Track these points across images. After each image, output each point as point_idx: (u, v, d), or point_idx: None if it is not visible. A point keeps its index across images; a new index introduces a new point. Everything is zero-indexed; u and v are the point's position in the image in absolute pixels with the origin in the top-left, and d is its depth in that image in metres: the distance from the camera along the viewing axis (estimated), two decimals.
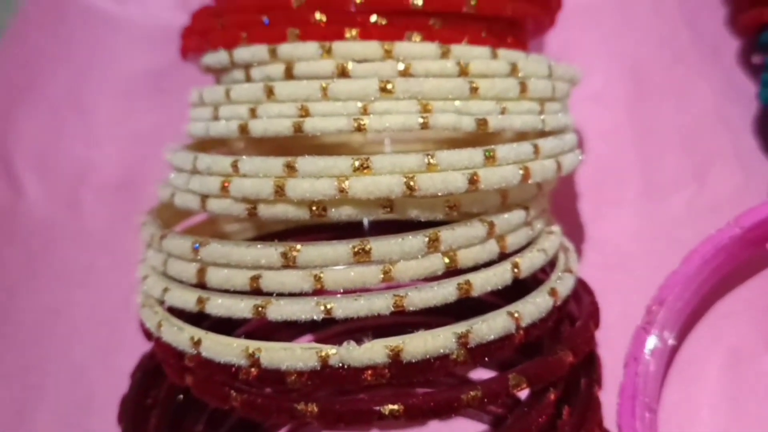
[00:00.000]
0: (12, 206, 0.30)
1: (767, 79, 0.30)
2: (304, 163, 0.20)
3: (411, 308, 0.19)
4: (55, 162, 0.32)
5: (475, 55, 0.23)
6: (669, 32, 0.35)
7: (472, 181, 0.20)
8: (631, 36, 0.35)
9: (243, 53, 0.24)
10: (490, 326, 0.19)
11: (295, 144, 0.23)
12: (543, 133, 0.24)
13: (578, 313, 0.23)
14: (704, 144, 0.31)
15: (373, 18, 0.24)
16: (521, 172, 0.21)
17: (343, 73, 0.22)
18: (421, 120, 0.21)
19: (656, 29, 0.35)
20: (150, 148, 0.34)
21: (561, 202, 0.30)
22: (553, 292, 0.21)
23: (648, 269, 0.26)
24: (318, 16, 0.23)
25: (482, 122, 0.22)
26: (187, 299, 0.20)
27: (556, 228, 0.24)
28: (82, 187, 0.32)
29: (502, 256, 0.21)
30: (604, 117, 0.33)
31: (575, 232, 0.30)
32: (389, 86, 0.21)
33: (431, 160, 0.20)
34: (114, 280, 0.28)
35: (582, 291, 0.24)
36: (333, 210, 0.20)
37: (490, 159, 0.21)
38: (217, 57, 0.25)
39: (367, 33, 0.23)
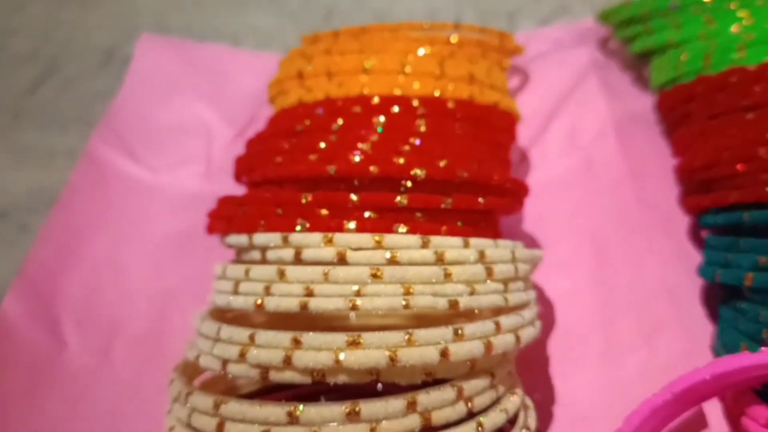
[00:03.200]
0: (55, 358, 0.34)
1: (708, 256, 0.35)
2: (308, 338, 0.25)
3: None
4: (93, 316, 0.37)
5: (450, 244, 0.28)
6: (625, 208, 0.40)
7: (444, 354, 0.25)
8: (593, 210, 0.40)
9: (260, 238, 0.29)
10: None
11: (301, 316, 0.28)
12: (506, 309, 0.29)
13: None
14: (655, 311, 0.35)
15: (367, 213, 0.29)
16: (484, 346, 0.26)
17: (342, 260, 0.28)
18: (404, 302, 0.26)
19: (615, 205, 0.40)
20: (174, 304, 0.39)
21: (530, 360, 0.35)
22: None
23: (606, 425, 0.30)
24: (323, 211, 0.29)
25: (454, 303, 0.27)
26: None
27: (518, 390, 0.28)
28: (115, 338, 0.36)
29: (470, 415, 0.26)
30: (568, 283, 0.38)
31: (543, 388, 0.34)
32: (379, 272, 0.27)
33: (411, 337, 0.25)
34: (139, 425, 0.32)
35: None
36: (330, 377, 0.25)
37: (458, 336, 0.25)
38: (238, 239, 0.30)
39: (363, 226, 0.29)
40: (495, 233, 0.33)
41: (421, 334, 0.25)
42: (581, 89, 0.47)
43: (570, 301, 0.37)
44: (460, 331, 0.25)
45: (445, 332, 0.25)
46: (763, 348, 0.27)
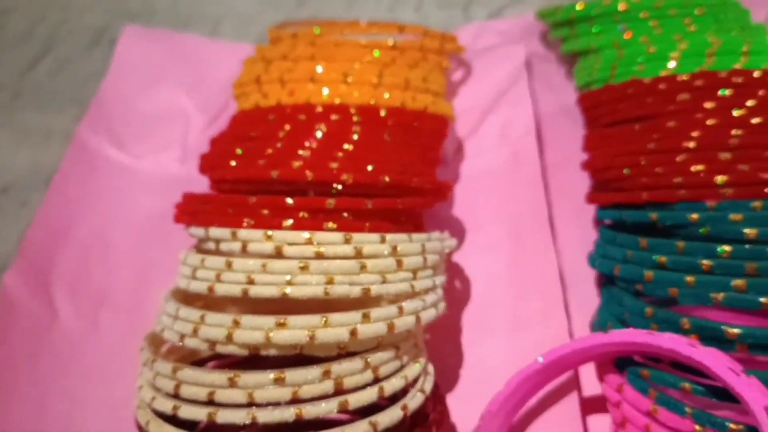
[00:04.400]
0: (50, 325, 0.41)
1: (596, 246, 0.41)
2: (245, 320, 0.32)
3: (307, 417, 0.30)
4: (83, 288, 0.44)
5: (368, 240, 0.35)
6: (544, 198, 0.46)
7: (353, 333, 0.32)
8: (516, 200, 0.46)
9: (214, 232, 0.36)
10: (354, 430, 0.30)
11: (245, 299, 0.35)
12: (413, 294, 0.35)
13: (435, 419, 0.34)
14: (556, 292, 0.41)
15: (302, 213, 0.36)
16: (387, 326, 0.32)
17: (279, 254, 0.34)
18: (324, 291, 0.33)
19: (535, 196, 0.46)
20: (155, 277, 0.45)
21: (449, 329, 0.42)
22: (404, 407, 0.32)
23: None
24: (265, 211, 0.35)
25: (366, 291, 0.33)
26: (166, 406, 0.31)
27: (422, 359, 0.35)
28: (102, 308, 0.43)
29: (376, 381, 0.32)
30: (488, 264, 0.44)
31: (456, 353, 0.41)
32: (306, 265, 0.33)
33: (327, 320, 0.32)
34: (123, 383, 0.38)
35: (438, 403, 0.35)
36: (263, 350, 0.32)
37: (366, 318, 0.32)
38: (198, 231, 0.37)
39: (298, 224, 0.35)
40: (416, 226, 0.40)
41: (335, 317, 0.32)
42: (518, 84, 0.52)
43: (487, 279, 0.43)
44: (367, 314, 0.32)
45: (354, 316, 0.32)
46: (624, 329, 0.34)
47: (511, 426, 0.35)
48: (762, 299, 0.32)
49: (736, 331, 0.31)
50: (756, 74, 0.40)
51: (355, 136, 0.39)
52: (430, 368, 0.36)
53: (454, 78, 0.56)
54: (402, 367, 0.34)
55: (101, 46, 0.67)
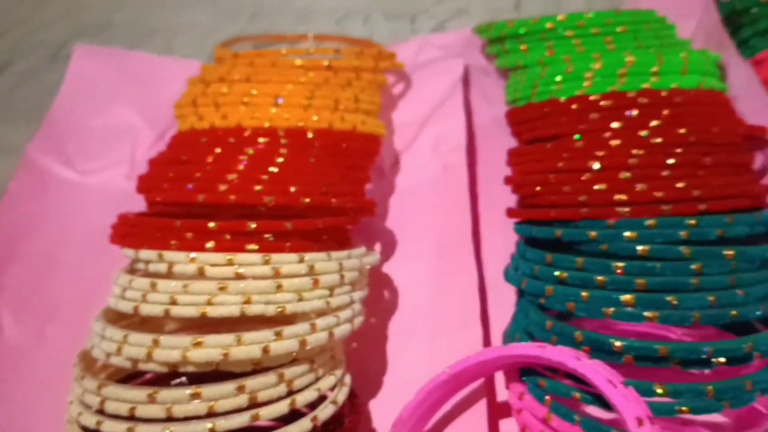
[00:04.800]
0: None
1: (513, 261, 0.43)
2: (164, 339, 0.34)
3: (220, 431, 0.32)
4: (29, 305, 0.46)
5: (286, 261, 0.37)
6: (471, 211, 0.48)
7: (265, 350, 0.34)
8: (445, 212, 0.49)
9: (143, 254, 0.38)
10: None
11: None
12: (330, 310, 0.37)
13: (349, 428, 0.36)
14: (475, 302, 0.44)
15: (226, 236, 0.38)
16: (300, 343, 0.35)
17: (202, 274, 0.36)
18: (240, 310, 0.35)
19: (463, 208, 0.48)
20: (101, 292, 0.47)
21: (374, 336, 0.44)
22: (314, 419, 0.34)
23: None
24: (189, 234, 0.38)
25: (282, 309, 0.35)
26: (91, 421, 0.34)
27: (338, 371, 0.37)
28: (48, 323, 0.45)
29: (290, 394, 0.35)
30: (415, 273, 0.46)
31: (380, 359, 0.43)
32: (225, 286, 0.35)
33: (240, 339, 0.34)
34: (65, 396, 0.41)
35: (353, 413, 0.37)
36: (181, 368, 0.34)
37: (278, 336, 0.34)
38: (129, 252, 0.39)
39: (220, 246, 0.37)
40: (341, 243, 0.42)
41: (248, 336, 0.34)
42: (453, 98, 0.55)
43: (413, 289, 0.46)
44: (279, 332, 0.34)
45: (267, 334, 0.34)
46: (524, 342, 0.36)
47: (423, 431, 0.38)
48: (646, 314, 0.34)
49: (619, 343, 0.33)
50: (663, 94, 0.42)
51: (281, 159, 0.41)
52: (347, 379, 0.38)
53: (395, 91, 0.58)
54: (317, 380, 0.36)
55: (61, 61, 0.68)
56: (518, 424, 0.36)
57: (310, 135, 0.43)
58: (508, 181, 0.45)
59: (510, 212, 0.44)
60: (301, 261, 0.37)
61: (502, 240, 0.47)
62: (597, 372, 0.31)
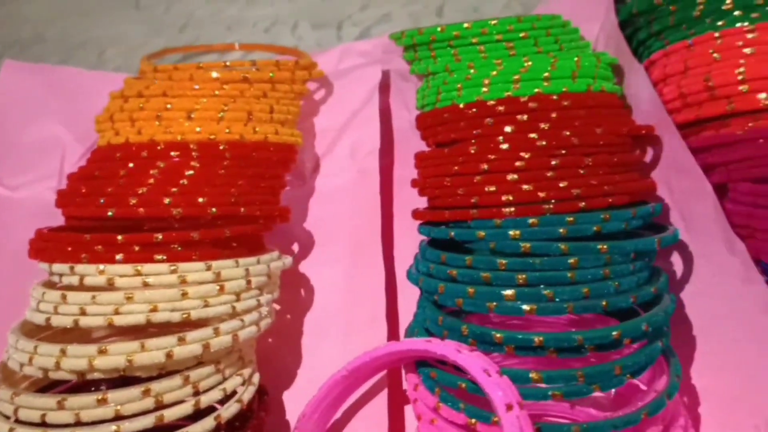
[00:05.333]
0: None
1: (415, 261, 0.45)
2: (71, 348, 0.36)
3: None
4: None
5: (193, 269, 0.39)
6: (384, 213, 0.51)
7: (169, 355, 0.36)
8: (359, 216, 0.51)
9: (56, 267, 0.40)
10: None
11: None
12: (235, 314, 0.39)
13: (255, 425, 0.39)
14: (381, 301, 0.46)
15: (136, 247, 0.40)
16: (203, 347, 0.37)
17: (111, 285, 0.38)
18: (146, 318, 0.37)
19: (376, 211, 0.51)
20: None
21: (290, 333, 0.46)
22: (218, 417, 0.36)
23: None
24: (98, 247, 0.39)
25: (187, 316, 0.38)
26: (3, 428, 0.35)
27: (246, 370, 0.40)
28: None
29: (196, 394, 0.37)
30: (330, 275, 0.49)
31: (295, 355, 0.45)
32: (132, 295, 0.37)
33: (144, 345, 0.36)
34: None
35: (262, 410, 0.39)
36: (89, 375, 0.36)
37: (182, 341, 0.36)
38: (44, 266, 0.41)
39: (129, 257, 0.39)
40: (252, 249, 0.44)
41: (152, 342, 0.36)
42: (370, 105, 0.57)
43: (328, 289, 0.48)
44: (183, 338, 0.36)
45: (170, 340, 0.36)
46: (419, 337, 0.39)
47: (327, 425, 0.40)
48: (525, 307, 0.37)
49: (499, 335, 0.36)
50: (553, 98, 0.45)
51: (191, 172, 0.43)
52: (255, 378, 0.40)
53: (317, 98, 0.60)
54: (224, 380, 0.38)
55: None
56: (414, 412, 0.39)
57: (222, 147, 0.45)
58: (413, 184, 0.47)
59: (414, 214, 0.46)
60: (208, 269, 0.39)
61: (413, 240, 0.49)
62: (474, 363, 0.34)
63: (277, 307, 0.48)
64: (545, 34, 0.52)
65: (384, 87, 0.60)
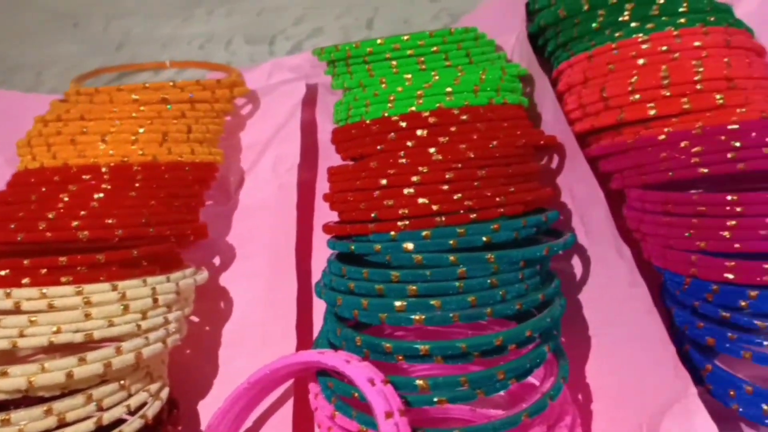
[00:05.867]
0: None
1: (322, 274, 0.47)
2: None
3: None
4: None
5: (98, 290, 0.40)
6: (302, 227, 0.52)
7: (69, 375, 0.37)
8: (280, 229, 0.53)
9: None
10: None
11: None
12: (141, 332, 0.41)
13: None
14: (293, 312, 0.48)
15: (42, 271, 0.41)
16: (104, 366, 0.38)
17: (18, 309, 0.40)
18: (49, 340, 0.38)
19: (293, 225, 0.52)
20: None
21: (210, 343, 0.47)
22: None
23: None
24: (5, 271, 0.41)
25: (89, 335, 0.39)
26: None
27: (154, 386, 0.41)
28: None
29: (100, 411, 0.38)
30: (251, 287, 0.50)
31: (213, 364, 0.47)
32: (35, 319, 0.39)
33: (44, 366, 0.37)
34: None
35: (169, 423, 0.41)
36: None
37: (82, 361, 0.38)
38: None
39: (36, 281, 0.41)
40: (168, 266, 0.45)
41: (52, 363, 0.37)
42: (292, 120, 0.58)
43: (247, 302, 0.50)
44: (83, 358, 0.38)
45: (71, 360, 0.38)
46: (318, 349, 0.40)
47: None
48: (414, 317, 0.38)
49: (389, 345, 0.38)
50: (455, 112, 0.47)
51: (101, 195, 0.44)
52: (164, 393, 0.42)
53: (245, 114, 0.62)
54: (129, 397, 0.40)
55: None
56: (316, 420, 0.40)
57: (135, 168, 0.46)
58: (325, 199, 0.49)
59: (324, 228, 0.47)
60: (114, 289, 0.41)
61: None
62: (360, 373, 0.36)
63: (195, 319, 0.49)
64: (456, 48, 0.53)
65: (311, 101, 0.62)
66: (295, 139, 0.57)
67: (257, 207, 0.55)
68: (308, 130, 0.60)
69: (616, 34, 0.50)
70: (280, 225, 0.52)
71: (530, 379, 0.40)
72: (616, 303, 0.42)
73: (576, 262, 0.47)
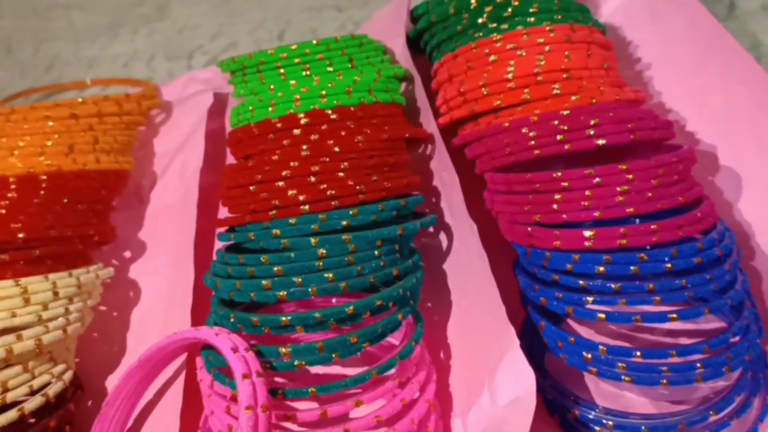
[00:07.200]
0: None
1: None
2: None
3: None
4: None
5: (1, 286, 0.46)
6: (201, 228, 0.57)
7: None
8: (183, 230, 0.58)
9: None
10: None
11: None
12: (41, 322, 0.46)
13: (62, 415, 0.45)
14: (187, 304, 0.53)
15: None
16: (6, 351, 0.43)
17: None
18: None
19: (193, 226, 0.57)
20: None
21: (117, 334, 0.53)
22: (21, 409, 0.43)
23: None
24: None
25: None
26: None
27: (56, 369, 0.46)
28: None
29: (5, 392, 0.43)
30: (156, 283, 0.55)
31: (119, 352, 0.52)
32: None
33: None
34: None
35: (72, 401, 0.46)
36: None
37: None
38: None
39: None
40: (74, 263, 0.50)
41: None
42: (199, 129, 0.64)
43: (153, 295, 0.55)
44: None
45: None
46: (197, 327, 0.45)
47: (133, 408, 0.46)
48: (278, 293, 0.43)
49: (256, 318, 0.43)
50: (327, 112, 0.52)
51: (6, 202, 0.49)
52: (67, 375, 0.47)
53: (159, 124, 0.67)
54: (32, 379, 0.45)
55: None
56: (201, 390, 0.46)
57: (42, 178, 0.52)
58: (219, 196, 0.54)
59: (215, 223, 0.53)
60: (17, 285, 0.46)
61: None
62: (224, 342, 0.41)
63: (103, 308, 0.54)
64: (339, 54, 0.59)
65: (221, 109, 0.67)
66: (198, 147, 0.62)
67: (165, 209, 0.60)
68: (216, 136, 0.65)
69: (477, 35, 0.55)
70: (183, 225, 0.57)
71: (395, 342, 0.45)
72: (468, 273, 0.48)
73: (443, 238, 0.52)
